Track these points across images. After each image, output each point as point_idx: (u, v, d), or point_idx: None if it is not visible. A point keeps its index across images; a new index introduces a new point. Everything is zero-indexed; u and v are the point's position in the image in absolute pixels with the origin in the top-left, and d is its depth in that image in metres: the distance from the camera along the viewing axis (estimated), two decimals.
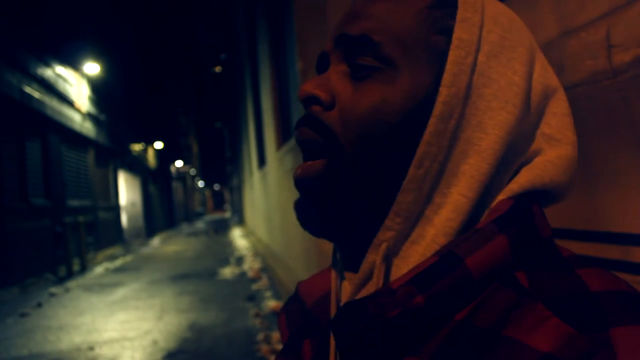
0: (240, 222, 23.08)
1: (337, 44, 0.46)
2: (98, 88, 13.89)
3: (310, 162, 0.45)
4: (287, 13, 5.67)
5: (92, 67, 12.38)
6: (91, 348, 4.53)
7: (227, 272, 8.64)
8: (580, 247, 1.26)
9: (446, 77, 0.42)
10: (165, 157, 27.31)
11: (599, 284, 0.38)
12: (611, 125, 1.01)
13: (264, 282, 7.17)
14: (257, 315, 5.27)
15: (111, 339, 4.79)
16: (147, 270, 9.80)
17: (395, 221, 0.43)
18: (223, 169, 51.01)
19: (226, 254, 11.77)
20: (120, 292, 7.41)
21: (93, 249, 12.49)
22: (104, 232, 13.95)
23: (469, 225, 0.43)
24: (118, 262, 11.77)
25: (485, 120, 0.43)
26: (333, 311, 0.49)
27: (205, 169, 65.07)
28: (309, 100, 0.45)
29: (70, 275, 9.69)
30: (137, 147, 19.57)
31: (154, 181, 23.79)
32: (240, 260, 10.24)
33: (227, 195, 60.72)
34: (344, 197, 0.44)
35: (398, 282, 0.40)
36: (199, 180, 55.44)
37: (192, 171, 44.59)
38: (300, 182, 0.46)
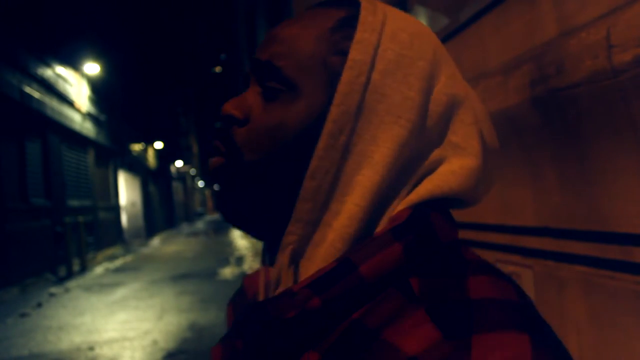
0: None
1: (251, 68, 0.51)
2: (98, 88, 13.89)
3: (213, 158, 0.52)
4: (286, 13, 5.68)
5: (92, 67, 12.39)
6: (91, 348, 4.53)
7: (227, 272, 8.65)
8: (580, 247, 1.26)
9: (337, 97, 0.46)
10: (165, 157, 27.32)
11: (483, 291, 0.40)
12: (611, 125, 1.01)
13: None
14: None
15: (111, 339, 4.79)
16: (147, 270, 9.81)
17: (296, 226, 0.47)
18: None
19: (226, 254, 11.77)
20: (120, 292, 7.41)
21: (93, 249, 12.50)
22: (104, 232, 13.95)
23: (369, 232, 0.47)
24: (118, 262, 11.77)
25: (379, 134, 0.46)
26: None
27: (205, 169, 65.04)
28: (226, 119, 0.50)
29: (70, 275, 9.69)
30: (137, 147, 19.58)
31: (154, 181, 23.80)
32: (240, 260, 10.25)
33: None
34: (244, 196, 0.49)
35: (299, 285, 0.44)
36: (199, 180, 55.46)
37: (192, 171, 44.61)
38: (211, 174, 0.52)
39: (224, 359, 0.56)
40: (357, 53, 0.46)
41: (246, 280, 0.66)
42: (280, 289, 0.48)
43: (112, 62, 15.05)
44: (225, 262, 10.09)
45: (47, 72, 10.23)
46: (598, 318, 1.23)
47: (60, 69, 11.02)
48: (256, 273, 0.64)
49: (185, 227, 29.37)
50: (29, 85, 9.23)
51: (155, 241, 18.46)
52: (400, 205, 0.47)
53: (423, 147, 0.47)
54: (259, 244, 11.13)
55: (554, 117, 1.24)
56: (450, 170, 0.48)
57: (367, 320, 0.42)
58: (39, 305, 6.80)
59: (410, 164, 0.47)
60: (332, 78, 0.47)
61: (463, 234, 1.03)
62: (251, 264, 9.22)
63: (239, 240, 15.41)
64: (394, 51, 0.47)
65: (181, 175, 36.80)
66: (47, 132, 10.32)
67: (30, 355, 4.47)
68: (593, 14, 1.03)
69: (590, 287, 1.24)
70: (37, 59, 9.70)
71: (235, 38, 15.14)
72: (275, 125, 0.47)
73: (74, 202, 11.74)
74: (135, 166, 19.49)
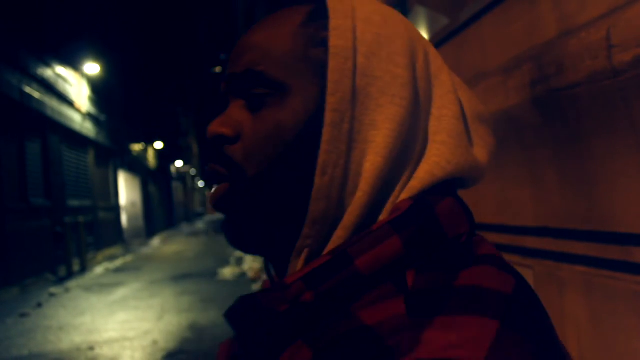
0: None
1: (229, 84, 0.50)
2: (98, 88, 13.89)
3: (217, 187, 0.50)
4: None
5: (92, 67, 12.38)
6: (91, 348, 4.53)
7: (227, 272, 8.64)
8: (580, 247, 1.26)
9: (330, 85, 0.45)
10: (165, 157, 27.31)
11: (471, 279, 0.39)
12: (611, 125, 1.01)
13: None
14: None
15: (111, 339, 4.79)
16: (147, 270, 9.81)
17: (312, 229, 0.45)
18: None
19: (226, 254, 11.77)
20: (120, 292, 7.41)
21: (93, 249, 12.49)
22: (104, 232, 13.95)
23: (372, 220, 0.45)
24: (118, 262, 11.77)
25: (377, 117, 0.45)
26: None
27: (205, 169, 64.94)
28: (216, 139, 0.48)
29: (70, 275, 9.69)
30: (137, 147, 19.57)
31: (154, 181, 23.79)
32: (240, 260, 10.24)
33: None
34: (254, 214, 0.47)
35: (292, 278, 0.43)
36: (199, 181, 55.43)
37: (192, 171, 44.59)
38: (214, 206, 0.50)
39: (228, 354, 0.56)
40: (337, 39, 0.45)
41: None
42: None
43: (112, 62, 15.05)
44: (225, 262, 10.09)
45: (47, 72, 10.22)
46: (598, 318, 1.23)
47: (60, 69, 11.01)
48: (266, 282, 0.62)
49: (185, 227, 29.36)
50: (29, 85, 9.23)
51: (155, 241, 18.45)
52: (403, 192, 0.45)
53: (416, 125, 0.46)
54: None
55: (554, 117, 1.24)
56: (440, 142, 0.47)
57: (355, 309, 0.41)
58: (39, 305, 6.80)
59: (408, 145, 0.46)
60: (319, 69, 0.46)
61: None
62: (251, 264, 9.22)
63: None
64: (372, 32, 0.46)
65: (181, 175, 36.79)
66: (47, 132, 10.31)
67: (30, 355, 4.47)
68: (593, 14, 1.03)
69: (590, 287, 1.24)
70: (37, 59, 9.69)
71: (235, 38, 15.14)
72: (272, 130, 0.46)
73: (74, 202, 11.73)
74: (135, 166, 19.49)
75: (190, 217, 41.53)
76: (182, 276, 8.62)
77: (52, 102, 10.36)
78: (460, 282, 0.38)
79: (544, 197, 1.41)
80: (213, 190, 0.50)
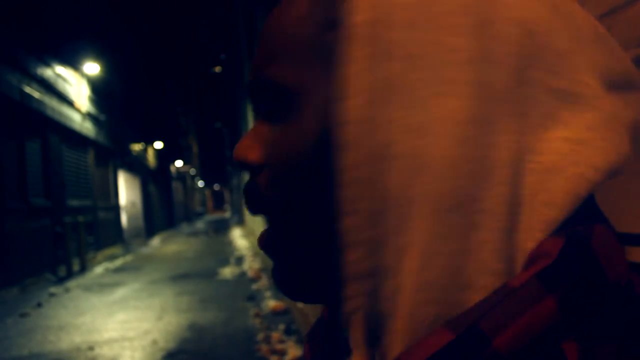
0: (240, 222, 23.07)
1: (249, 93, 0.40)
2: (98, 88, 13.89)
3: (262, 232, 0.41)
4: None
5: (92, 67, 12.38)
6: (91, 348, 4.53)
7: (227, 272, 8.64)
8: None
9: (348, 83, 0.31)
10: (165, 157, 27.31)
11: None
12: None
13: (263, 282, 7.17)
14: (257, 315, 5.27)
15: (111, 339, 4.79)
16: (147, 270, 9.80)
17: (354, 288, 0.31)
18: (223, 169, 51.00)
19: (226, 254, 11.76)
20: (120, 292, 7.41)
21: (93, 249, 12.49)
22: (104, 232, 13.95)
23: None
24: (118, 262, 11.76)
25: (426, 118, 0.30)
26: None
27: (205, 169, 65.07)
28: (240, 166, 0.39)
29: (70, 275, 9.68)
30: (137, 147, 19.57)
31: (154, 181, 23.79)
32: (240, 260, 10.24)
33: (227, 195, 60.73)
34: (290, 256, 0.37)
35: None
36: (199, 180, 55.43)
37: (192, 171, 44.59)
38: (264, 249, 0.41)
39: None
40: (356, 14, 0.30)
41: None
42: None
43: (112, 62, 15.04)
44: (225, 262, 10.08)
45: (47, 72, 10.22)
46: None
47: (60, 69, 11.01)
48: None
49: (185, 227, 29.36)
50: (29, 85, 9.22)
51: (155, 241, 18.45)
52: (535, 229, 0.30)
53: (502, 116, 0.30)
54: None
55: None
56: (574, 138, 0.30)
57: None
58: (39, 305, 6.79)
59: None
60: (336, 61, 0.32)
61: None
62: (251, 264, 9.22)
63: (239, 240, 15.40)
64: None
65: (181, 175, 36.78)
66: (47, 132, 10.31)
67: (30, 355, 4.47)
68: (593, 14, 1.03)
69: None
70: (37, 58, 9.69)
71: (235, 38, 15.14)
72: (287, 151, 0.35)
73: (73, 202, 11.73)
74: (135, 166, 19.48)
75: (190, 217, 41.53)
76: (182, 276, 8.62)
77: (52, 102, 10.36)
78: None
79: None
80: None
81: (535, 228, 0.30)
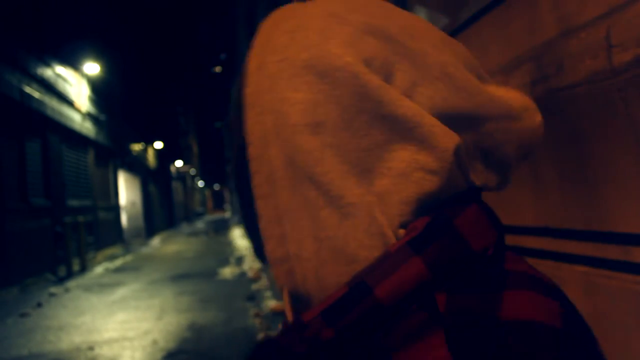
0: (240, 222, 23.05)
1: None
2: (98, 88, 13.89)
3: None
4: None
5: (92, 67, 12.38)
6: (91, 348, 4.53)
7: (227, 272, 8.64)
8: (580, 247, 1.26)
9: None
10: (165, 157, 27.30)
11: (517, 311, 0.36)
12: (611, 125, 1.01)
13: (263, 282, 7.17)
14: (256, 315, 5.27)
15: (111, 339, 4.79)
16: (147, 270, 9.80)
17: (276, 269, 0.45)
18: (223, 169, 51.00)
19: (226, 254, 11.77)
20: (120, 292, 7.41)
21: (93, 249, 12.49)
22: (104, 232, 13.94)
23: None
24: (118, 262, 11.76)
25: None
26: None
27: (205, 169, 65.06)
28: None
29: (70, 275, 9.68)
30: (137, 147, 19.57)
31: (154, 181, 23.78)
32: (240, 260, 10.24)
33: (227, 195, 60.72)
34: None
35: (310, 314, 0.40)
36: (199, 180, 55.42)
37: (192, 171, 44.59)
38: None
39: None
40: (248, 87, 0.49)
41: None
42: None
43: (112, 62, 15.04)
44: (225, 262, 10.09)
45: (47, 72, 10.22)
46: (598, 318, 1.23)
47: (60, 69, 11.01)
48: None
49: (185, 227, 29.35)
50: (29, 85, 9.22)
51: (155, 241, 18.45)
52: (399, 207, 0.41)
53: (342, 139, 0.43)
54: None
55: (553, 116, 1.24)
56: (414, 149, 0.43)
57: (385, 341, 0.38)
58: (39, 305, 6.79)
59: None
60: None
61: None
62: (251, 264, 9.22)
63: (239, 240, 15.40)
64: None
65: (181, 175, 36.78)
66: (47, 132, 10.31)
67: (30, 355, 4.47)
68: (593, 14, 1.03)
69: (590, 287, 1.24)
70: (37, 58, 9.69)
71: (235, 38, 15.13)
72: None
73: (73, 202, 11.73)
74: (135, 166, 19.48)
75: (190, 217, 41.52)
76: (181, 276, 8.62)
77: (52, 102, 10.36)
78: (504, 315, 0.35)
79: (544, 197, 1.41)
80: None
81: (395, 214, 0.41)
